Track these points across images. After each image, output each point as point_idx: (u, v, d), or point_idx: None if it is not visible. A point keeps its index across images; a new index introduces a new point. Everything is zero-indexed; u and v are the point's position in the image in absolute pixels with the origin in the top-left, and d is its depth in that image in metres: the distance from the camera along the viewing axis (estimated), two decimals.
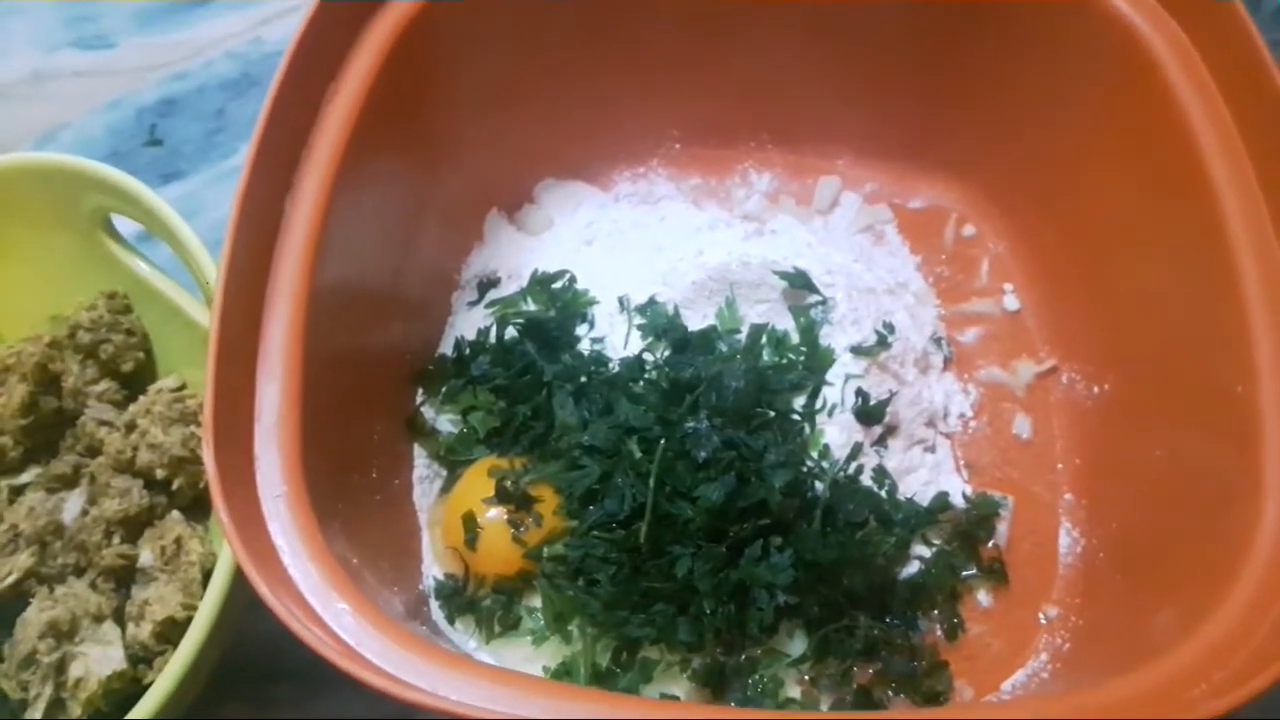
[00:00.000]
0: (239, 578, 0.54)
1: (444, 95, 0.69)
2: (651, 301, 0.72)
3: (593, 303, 0.73)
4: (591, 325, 0.73)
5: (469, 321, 0.74)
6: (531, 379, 0.69)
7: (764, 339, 0.70)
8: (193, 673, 0.53)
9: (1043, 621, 0.65)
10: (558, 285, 0.74)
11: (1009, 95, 0.71)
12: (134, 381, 0.67)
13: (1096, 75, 0.64)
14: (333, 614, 0.46)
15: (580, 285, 0.74)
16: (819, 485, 0.65)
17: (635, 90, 0.77)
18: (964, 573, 0.66)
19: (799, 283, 0.70)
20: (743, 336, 0.70)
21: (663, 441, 0.62)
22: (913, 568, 0.66)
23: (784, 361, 0.69)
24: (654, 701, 0.56)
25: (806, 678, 0.63)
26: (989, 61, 0.71)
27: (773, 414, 0.66)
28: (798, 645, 0.63)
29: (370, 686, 0.43)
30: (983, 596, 0.67)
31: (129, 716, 0.52)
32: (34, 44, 0.95)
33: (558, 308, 0.73)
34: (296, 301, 0.55)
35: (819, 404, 0.68)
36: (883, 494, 0.67)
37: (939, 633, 0.65)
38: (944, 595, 0.66)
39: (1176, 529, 0.57)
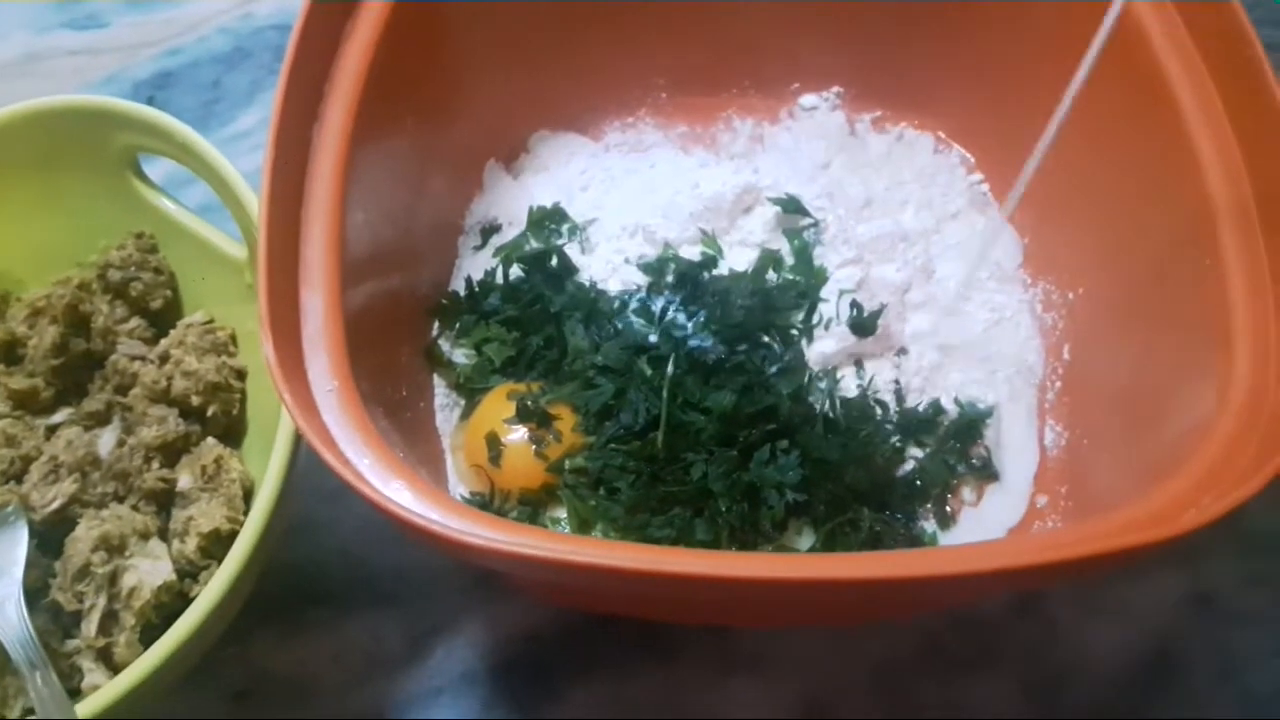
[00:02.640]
0: (282, 494, 0.57)
1: (446, 46, 0.72)
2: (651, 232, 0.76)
3: (591, 223, 0.77)
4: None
5: (475, 264, 0.77)
6: (541, 309, 0.72)
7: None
8: (241, 579, 0.55)
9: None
10: (553, 216, 0.78)
11: (983, 36, 0.76)
12: (161, 320, 0.70)
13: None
14: (393, 491, 0.49)
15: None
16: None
17: (623, 42, 0.81)
18: (958, 469, 0.71)
19: (791, 207, 0.74)
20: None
21: (672, 356, 0.66)
22: (909, 466, 0.71)
23: (783, 281, 0.73)
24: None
25: None
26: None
27: (774, 328, 0.70)
28: (806, 540, 0.66)
29: (451, 542, 0.46)
30: (976, 492, 0.71)
31: (182, 621, 0.54)
32: (25, 27, 0.97)
33: (559, 234, 0.77)
34: (330, 221, 0.57)
35: (816, 319, 0.72)
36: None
37: (935, 526, 0.69)
38: (939, 490, 0.70)
39: (1156, 405, 0.61)
